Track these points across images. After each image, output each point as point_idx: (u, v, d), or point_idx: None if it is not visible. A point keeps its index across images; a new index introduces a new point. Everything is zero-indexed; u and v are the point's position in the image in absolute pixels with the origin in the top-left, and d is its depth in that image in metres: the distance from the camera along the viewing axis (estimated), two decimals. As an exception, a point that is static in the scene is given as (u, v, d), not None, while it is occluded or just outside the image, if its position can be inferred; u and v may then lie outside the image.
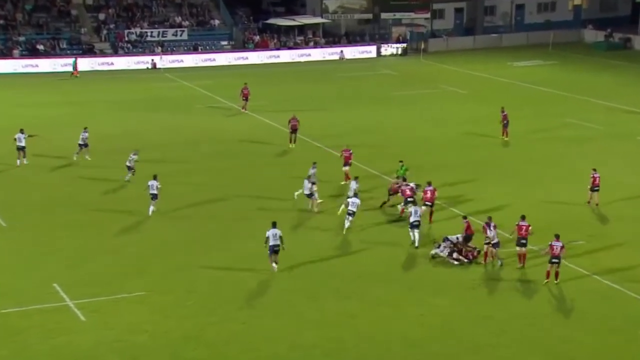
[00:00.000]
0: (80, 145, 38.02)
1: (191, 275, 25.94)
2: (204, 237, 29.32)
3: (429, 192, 29.93)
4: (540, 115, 49.12)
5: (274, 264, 25.92)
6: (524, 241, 25.83)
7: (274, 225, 25.83)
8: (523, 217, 26.33)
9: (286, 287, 25.12)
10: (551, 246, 25.03)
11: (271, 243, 25.60)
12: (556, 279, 25.20)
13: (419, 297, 24.46)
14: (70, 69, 63.74)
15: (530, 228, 26.05)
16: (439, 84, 59.97)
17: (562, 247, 25.01)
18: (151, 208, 31.23)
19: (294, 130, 40.63)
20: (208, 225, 30.56)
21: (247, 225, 30.33)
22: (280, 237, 25.57)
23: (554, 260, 25.02)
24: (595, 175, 32.24)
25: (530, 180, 35.67)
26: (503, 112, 43.11)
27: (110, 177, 36.46)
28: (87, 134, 37.84)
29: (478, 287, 25.11)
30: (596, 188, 32.23)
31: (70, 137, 43.58)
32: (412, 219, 28.02)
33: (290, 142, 40.47)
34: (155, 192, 31.18)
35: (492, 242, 26.26)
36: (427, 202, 29.96)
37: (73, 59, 65.00)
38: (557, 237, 25.21)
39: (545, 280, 25.22)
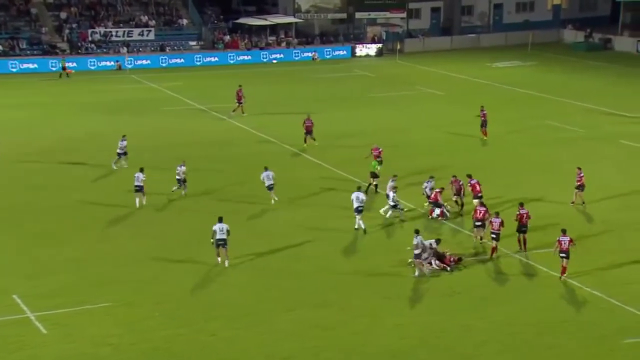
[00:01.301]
0: (119, 154, 37.58)
1: (158, 286, 25.65)
2: (172, 247, 29.01)
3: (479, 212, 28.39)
4: (520, 118, 49.45)
5: (218, 258, 26.68)
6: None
7: (220, 220, 26.63)
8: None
9: (259, 297, 24.92)
10: (559, 241, 25.86)
11: (218, 237, 26.34)
12: (564, 274, 25.92)
13: (397, 306, 24.38)
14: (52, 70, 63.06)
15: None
16: (416, 86, 60.17)
17: (570, 241, 25.81)
18: (137, 200, 31.98)
19: (308, 131, 41.18)
20: (176, 236, 30.25)
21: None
22: (228, 231, 26.41)
23: (562, 255, 25.85)
24: (581, 174, 33.09)
25: (511, 183, 35.81)
26: (482, 110, 43.84)
27: (70, 183, 36.00)
28: (125, 142, 37.06)
29: (457, 294, 25.09)
30: (581, 186, 33.03)
31: (27, 141, 43.13)
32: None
33: (305, 141, 40.91)
34: (140, 184, 31.80)
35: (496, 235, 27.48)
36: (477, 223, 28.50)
37: (60, 59, 64.37)
38: (564, 231, 26.11)
39: (561, 276, 26.07)
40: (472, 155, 41.00)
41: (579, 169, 33.24)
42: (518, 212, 28.01)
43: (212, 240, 26.70)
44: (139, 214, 32.17)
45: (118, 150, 37.42)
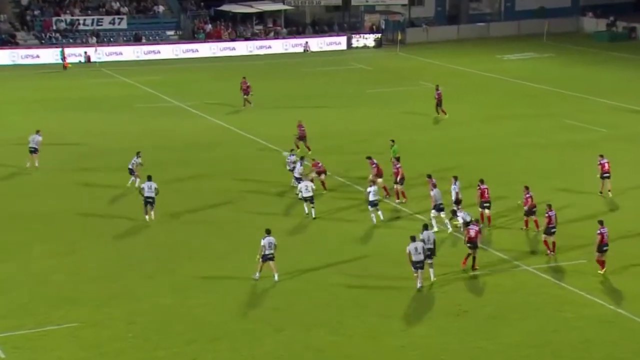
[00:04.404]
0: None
1: (131, 304, 25.67)
2: (145, 260, 29.05)
3: (472, 231, 28.21)
4: (535, 117, 49.64)
5: (257, 274, 27.08)
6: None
7: (269, 232, 27.11)
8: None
9: (244, 316, 24.98)
10: (601, 234, 27.10)
11: (266, 252, 26.85)
12: (603, 268, 27.20)
13: (397, 326, 24.46)
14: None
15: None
16: (419, 80, 60.33)
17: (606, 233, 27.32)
18: (147, 217, 32.03)
19: (302, 137, 40.78)
20: (150, 247, 30.30)
21: (195, 245, 30.16)
22: (275, 246, 27.00)
23: (605, 248, 27.21)
24: (603, 162, 34.36)
25: (520, 189, 35.92)
26: (437, 90, 48.01)
27: (26, 189, 36.04)
28: (139, 160, 35.74)
29: (464, 312, 25.21)
30: (606, 175, 34.35)
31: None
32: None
33: (297, 148, 40.41)
34: (152, 195, 31.73)
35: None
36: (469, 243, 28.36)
37: (60, 49, 64.40)
38: (602, 222, 27.49)
39: (600, 271, 27.22)
40: (479, 157, 41.13)
41: (601, 156, 34.40)
42: (547, 214, 28.93)
43: (258, 256, 26.90)
44: (108, 223, 32.20)
45: (130, 166, 35.70)
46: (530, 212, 30.96)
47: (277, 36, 75.99)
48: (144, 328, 24.14)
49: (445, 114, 48.10)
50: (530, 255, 29.32)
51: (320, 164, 35.69)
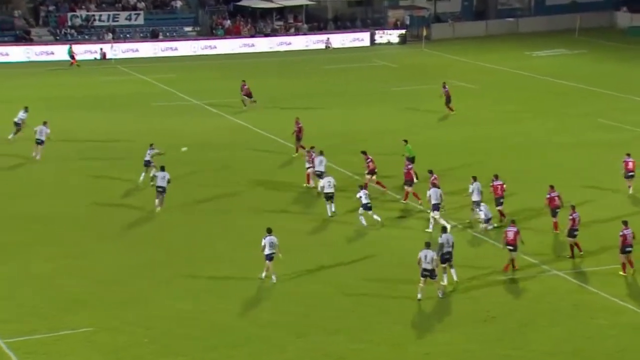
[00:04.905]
0: (146, 162, 37.03)
1: (146, 308, 25.76)
2: (159, 262, 29.16)
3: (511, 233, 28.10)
4: (566, 116, 49.41)
5: (271, 274, 27.30)
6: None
7: (269, 231, 27.16)
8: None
9: (265, 321, 25.02)
10: (623, 236, 27.22)
11: (267, 252, 26.98)
12: (632, 267, 27.47)
13: (422, 332, 24.42)
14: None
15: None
16: (446, 78, 60.06)
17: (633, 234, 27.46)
18: (158, 208, 33.17)
19: (298, 137, 40.64)
20: (169, 248, 30.42)
21: (210, 247, 30.26)
22: (276, 244, 27.18)
23: (627, 249, 27.31)
24: (627, 161, 34.76)
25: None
26: (445, 87, 48.60)
27: (34, 189, 36.26)
28: (153, 151, 36.76)
29: (492, 319, 25.13)
30: (630, 174, 34.62)
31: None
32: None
33: (297, 150, 40.52)
34: (164, 184, 32.88)
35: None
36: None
37: (68, 47, 64.91)
38: (626, 223, 27.63)
39: (622, 273, 27.43)
40: (507, 156, 41.03)
41: (628, 155, 34.66)
42: (571, 216, 28.92)
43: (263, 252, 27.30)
44: (124, 223, 32.36)
45: (146, 158, 36.34)
46: (554, 212, 30.97)
47: (297, 32, 76.04)
48: (161, 333, 24.23)
49: (453, 110, 48.64)
50: (559, 259, 29.20)
51: (311, 156, 35.68)
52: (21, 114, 42.28)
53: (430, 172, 33.30)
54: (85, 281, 27.50)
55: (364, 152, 35.75)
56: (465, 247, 29.99)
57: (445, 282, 26.94)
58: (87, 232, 31.80)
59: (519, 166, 39.39)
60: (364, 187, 32.82)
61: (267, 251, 27.11)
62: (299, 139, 40.40)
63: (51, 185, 37.10)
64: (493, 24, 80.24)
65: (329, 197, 32.91)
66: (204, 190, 36.32)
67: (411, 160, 35.60)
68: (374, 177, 35.12)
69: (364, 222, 31.95)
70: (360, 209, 31.99)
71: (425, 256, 25.89)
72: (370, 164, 35.13)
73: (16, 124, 42.09)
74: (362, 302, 26.21)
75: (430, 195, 31.52)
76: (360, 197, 31.93)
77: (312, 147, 36.58)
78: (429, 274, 25.89)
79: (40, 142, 40.06)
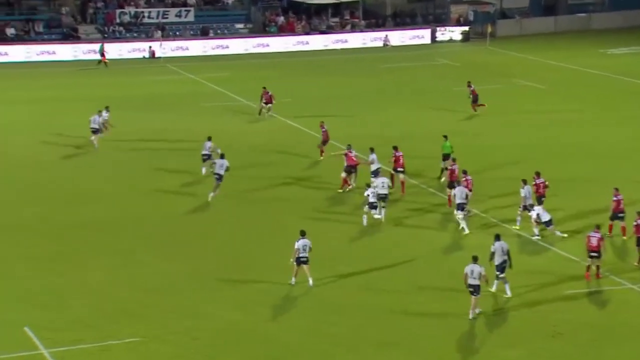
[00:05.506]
0: (204, 156, 38.29)
1: (194, 318, 25.95)
2: (214, 269, 29.38)
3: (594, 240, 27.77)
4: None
5: (294, 279, 27.57)
6: None
7: (303, 234, 27.54)
8: None
9: (317, 333, 25.03)
10: None
11: (301, 255, 27.29)
12: None
13: (487, 348, 24.20)
14: (96, 56, 65.38)
15: None
16: (511, 78, 59.73)
17: None
18: (211, 194, 34.99)
19: (325, 140, 41.11)
20: (219, 255, 30.63)
21: (260, 255, 30.39)
22: (310, 248, 27.50)
23: None
24: None
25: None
26: (470, 86, 49.65)
27: (86, 195, 36.79)
28: (211, 144, 38.44)
29: (560, 335, 24.79)
30: None
31: (29, 143, 43.75)
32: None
33: (322, 154, 41.04)
34: (222, 172, 34.90)
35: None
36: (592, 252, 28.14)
37: (100, 44, 65.98)
38: None
39: None
40: (579, 160, 40.53)
41: None
42: (636, 222, 28.77)
43: (291, 259, 27.53)
44: (172, 230, 32.69)
45: (203, 152, 38.39)
46: (615, 216, 30.83)
47: (354, 29, 76.08)
48: (209, 345, 24.38)
49: (475, 111, 49.13)
50: (633, 270, 28.70)
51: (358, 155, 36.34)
52: (104, 114, 43.50)
53: (465, 172, 33.48)
54: (134, 290, 27.85)
55: (395, 147, 36.29)
56: (525, 256, 29.74)
57: (509, 294, 26.73)
58: (139, 239, 32.16)
59: (592, 170, 38.84)
60: (369, 186, 33.26)
61: (300, 254, 27.31)
62: (324, 142, 40.86)
63: (103, 190, 37.57)
64: (563, 19, 79.40)
65: (381, 199, 33.03)
66: (254, 194, 36.52)
67: (447, 157, 36.46)
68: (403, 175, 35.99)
69: (364, 221, 32.45)
70: (366, 207, 32.45)
71: (472, 271, 25.53)
72: (400, 159, 35.91)
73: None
74: (415, 314, 26.01)
75: (455, 194, 32.00)
76: (368, 195, 32.35)
77: (349, 145, 36.88)
78: (474, 290, 25.50)
79: (94, 131, 42.28)
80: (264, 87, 49.36)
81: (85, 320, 25.78)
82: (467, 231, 31.64)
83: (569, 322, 25.56)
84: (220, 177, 35.10)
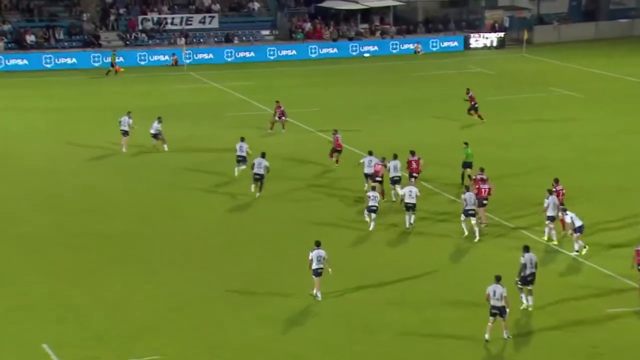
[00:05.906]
0: (239, 157, 39.34)
1: (216, 335, 25.93)
2: (230, 288, 29.31)
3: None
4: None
5: (316, 291, 27.71)
6: None
7: (318, 245, 27.59)
8: None
9: (341, 350, 24.91)
10: None
11: (314, 266, 27.21)
12: None
13: (520, 369, 24.01)
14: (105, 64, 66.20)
15: None
16: (549, 86, 59.46)
17: None
18: (257, 194, 36.80)
19: (338, 149, 41.54)
20: (235, 274, 30.57)
21: (284, 272, 30.28)
22: (324, 258, 27.62)
23: None
24: None
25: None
26: (468, 93, 49.54)
27: (105, 207, 36.90)
28: (246, 145, 39.64)
29: (600, 356, 24.49)
30: None
31: (46, 151, 43.94)
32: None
33: (337, 162, 41.65)
34: (261, 172, 36.22)
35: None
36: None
37: (111, 52, 66.49)
38: None
39: None
40: (621, 173, 40.15)
41: None
42: None
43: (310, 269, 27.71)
44: (193, 242, 32.72)
45: (239, 153, 39.31)
46: None
47: (384, 36, 76.06)
48: (231, 362, 24.37)
49: (473, 116, 49.20)
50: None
51: (380, 164, 36.42)
52: (155, 124, 44.25)
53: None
54: (156, 306, 27.87)
55: (412, 152, 37.11)
56: (557, 268, 29.65)
57: (530, 302, 26.78)
58: (158, 250, 32.28)
59: (634, 186, 38.53)
60: (373, 189, 34.49)
61: (314, 266, 27.28)
62: (338, 151, 41.53)
63: (126, 202, 37.74)
64: (604, 25, 79.01)
65: (409, 208, 33.15)
66: (280, 208, 36.49)
67: (468, 165, 37.03)
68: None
69: (371, 226, 33.27)
70: (365, 211, 33.38)
71: (494, 292, 25.11)
72: (414, 164, 36.65)
73: (153, 135, 44.28)
74: (448, 333, 25.77)
75: (465, 200, 32.09)
76: (369, 197, 33.18)
77: (376, 156, 37.34)
78: (499, 312, 25.10)
79: (124, 133, 43.94)
80: (277, 101, 49.34)
81: (104, 337, 25.84)
82: (477, 237, 32.18)
83: (609, 343, 25.26)
84: (261, 177, 36.41)
